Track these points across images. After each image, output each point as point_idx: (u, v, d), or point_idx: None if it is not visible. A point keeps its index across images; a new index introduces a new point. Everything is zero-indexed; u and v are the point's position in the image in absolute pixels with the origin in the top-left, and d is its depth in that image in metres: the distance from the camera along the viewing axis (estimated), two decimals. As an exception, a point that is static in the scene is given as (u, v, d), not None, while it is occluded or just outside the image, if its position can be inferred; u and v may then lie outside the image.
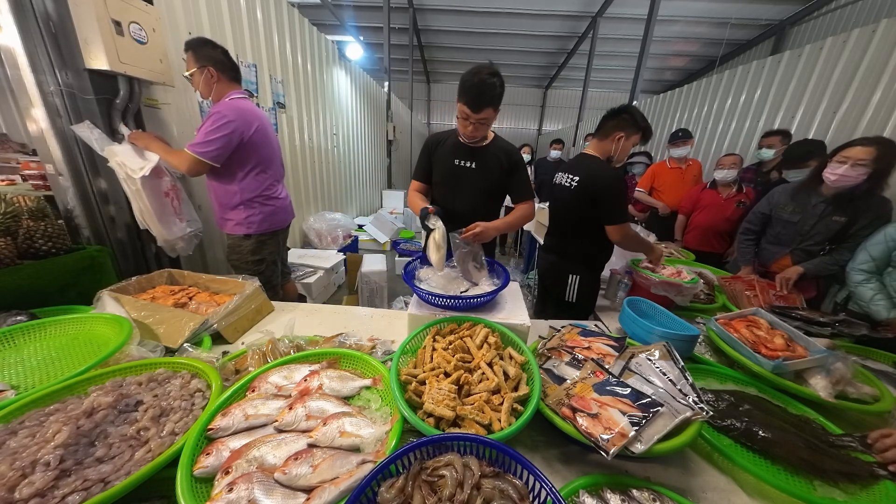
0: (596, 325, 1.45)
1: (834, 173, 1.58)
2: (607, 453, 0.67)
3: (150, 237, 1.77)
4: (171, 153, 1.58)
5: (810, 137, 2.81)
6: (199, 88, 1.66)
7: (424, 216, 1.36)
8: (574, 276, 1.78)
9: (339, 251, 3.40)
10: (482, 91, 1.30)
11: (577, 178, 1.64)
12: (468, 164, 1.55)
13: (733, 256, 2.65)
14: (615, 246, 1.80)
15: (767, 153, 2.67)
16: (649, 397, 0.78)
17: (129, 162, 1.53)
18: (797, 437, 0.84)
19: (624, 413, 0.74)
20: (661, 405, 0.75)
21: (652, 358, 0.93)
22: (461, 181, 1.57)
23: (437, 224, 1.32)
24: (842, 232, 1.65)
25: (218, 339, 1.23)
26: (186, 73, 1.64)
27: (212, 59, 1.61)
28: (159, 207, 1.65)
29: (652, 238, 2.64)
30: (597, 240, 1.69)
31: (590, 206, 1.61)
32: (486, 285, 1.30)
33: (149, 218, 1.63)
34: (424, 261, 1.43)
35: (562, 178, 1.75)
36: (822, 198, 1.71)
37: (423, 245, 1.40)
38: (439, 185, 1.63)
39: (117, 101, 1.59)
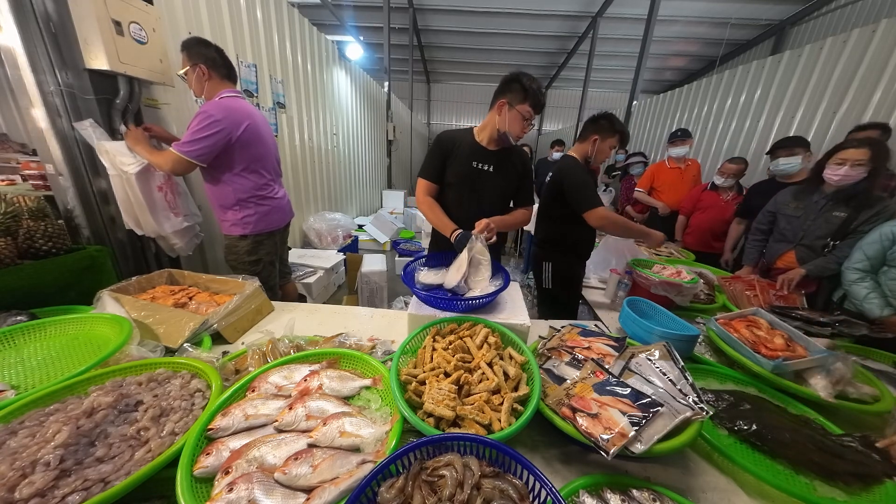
0: (596, 325, 1.45)
1: (836, 174, 1.66)
2: (607, 453, 0.67)
3: (150, 237, 1.77)
4: (155, 154, 1.55)
5: (810, 137, 2.82)
6: (192, 87, 1.66)
7: (466, 237, 1.33)
8: (547, 263, 1.96)
9: (339, 251, 3.39)
10: (542, 94, 1.42)
11: (550, 174, 1.91)
12: (486, 168, 1.54)
13: (724, 257, 2.66)
14: (609, 240, 1.99)
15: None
16: (649, 397, 0.78)
17: (122, 156, 1.52)
18: (807, 439, 0.84)
19: (624, 413, 0.74)
20: (661, 405, 0.75)
21: (652, 358, 0.93)
22: (478, 184, 1.55)
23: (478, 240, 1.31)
24: (843, 227, 1.70)
25: (218, 339, 1.23)
26: (181, 72, 1.64)
27: (203, 56, 1.61)
28: (151, 202, 1.64)
29: (651, 238, 2.64)
30: (562, 224, 1.84)
31: (558, 196, 1.80)
32: (486, 286, 1.30)
33: (141, 212, 1.62)
34: (427, 263, 1.43)
35: (549, 177, 2.00)
36: (823, 195, 1.78)
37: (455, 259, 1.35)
38: (454, 186, 1.56)
39: (117, 101, 1.59)
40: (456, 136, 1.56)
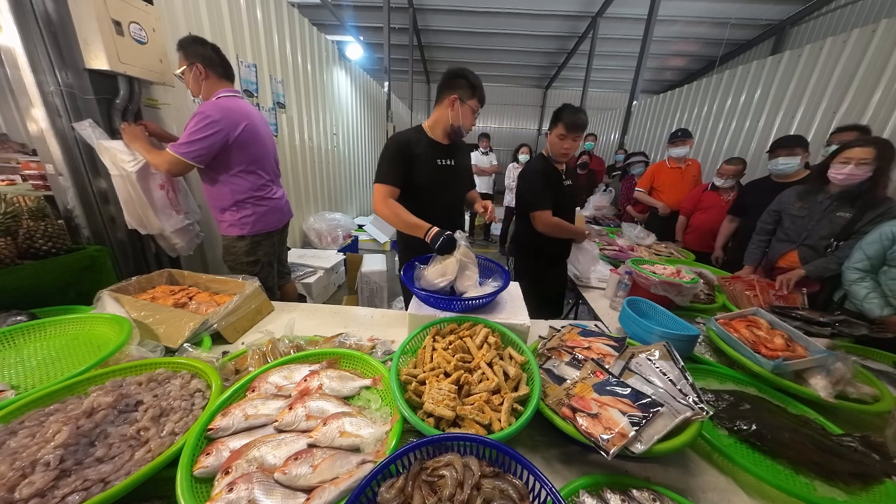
0: (596, 325, 1.45)
1: (840, 173, 1.64)
2: (607, 453, 0.67)
3: (150, 237, 1.77)
4: (153, 153, 1.54)
5: (810, 137, 2.81)
6: (189, 86, 1.65)
7: (450, 241, 1.29)
8: (510, 258, 2.16)
9: (339, 251, 3.40)
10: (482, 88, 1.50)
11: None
12: (449, 162, 1.60)
13: (715, 254, 2.66)
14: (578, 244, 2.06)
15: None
16: (649, 397, 0.78)
17: (122, 154, 1.52)
18: (806, 439, 0.84)
19: (624, 413, 0.74)
20: (661, 405, 0.75)
21: (652, 358, 0.93)
22: (446, 179, 1.60)
23: (461, 241, 1.29)
24: (848, 228, 1.68)
25: (218, 339, 1.23)
26: (177, 72, 1.63)
27: (200, 55, 1.60)
28: (153, 200, 1.64)
29: (651, 238, 2.65)
30: (520, 225, 2.01)
31: (519, 196, 1.99)
32: (475, 287, 1.29)
33: (144, 210, 1.62)
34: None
35: None
36: (828, 195, 1.77)
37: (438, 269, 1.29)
38: (426, 188, 1.54)
39: (117, 101, 1.59)
40: (410, 136, 1.54)
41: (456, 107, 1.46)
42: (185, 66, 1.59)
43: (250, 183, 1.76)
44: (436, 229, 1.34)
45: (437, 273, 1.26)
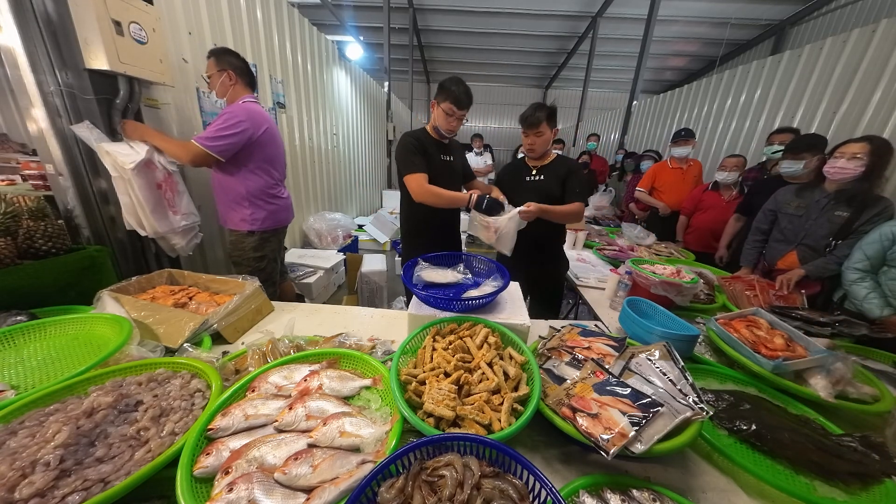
0: (596, 325, 1.45)
1: (833, 167, 1.66)
2: (607, 453, 0.67)
3: (151, 237, 1.77)
4: (173, 143, 1.63)
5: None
6: (216, 89, 1.80)
7: (493, 202, 1.60)
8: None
9: (339, 251, 3.39)
10: (465, 94, 1.63)
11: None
12: (448, 158, 1.81)
13: (718, 253, 2.65)
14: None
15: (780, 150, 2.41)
16: (649, 397, 0.78)
17: (121, 156, 1.52)
18: (806, 439, 0.84)
19: (624, 413, 0.74)
20: (661, 405, 0.75)
21: (652, 358, 0.93)
22: (448, 174, 1.80)
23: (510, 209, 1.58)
24: (845, 227, 1.68)
25: (218, 339, 1.23)
26: (205, 75, 1.79)
27: (232, 64, 1.77)
28: (152, 199, 1.64)
29: (651, 238, 2.65)
30: None
31: None
32: (485, 286, 1.30)
33: (140, 210, 1.62)
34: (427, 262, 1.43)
35: None
36: (825, 193, 1.76)
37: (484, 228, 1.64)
38: (433, 180, 1.70)
39: (117, 101, 1.58)
40: (420, 134, 1.75)
41: (435, 109, 1.69)
42: (214, 72, 1.75)
43: (264, 181, 1.89)
44: (476, 194, 1.64)
45: (487, 231, 1.63)
